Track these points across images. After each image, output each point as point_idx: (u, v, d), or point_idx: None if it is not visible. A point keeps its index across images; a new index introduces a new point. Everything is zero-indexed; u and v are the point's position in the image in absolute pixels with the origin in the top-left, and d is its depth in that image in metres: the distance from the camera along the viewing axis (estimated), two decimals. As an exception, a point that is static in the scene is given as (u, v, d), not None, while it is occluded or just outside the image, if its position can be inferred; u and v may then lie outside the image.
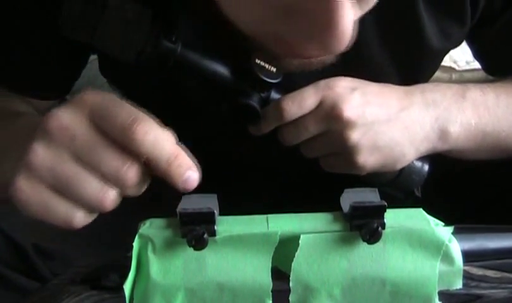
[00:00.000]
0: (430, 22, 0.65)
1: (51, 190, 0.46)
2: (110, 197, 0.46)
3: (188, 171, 0.46)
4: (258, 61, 0.56)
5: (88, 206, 0.47)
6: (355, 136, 0.58)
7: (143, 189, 0.48)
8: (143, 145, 0.45)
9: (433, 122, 0.61)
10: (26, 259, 0.68)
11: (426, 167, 0.64)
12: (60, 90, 0.71)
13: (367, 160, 0.59)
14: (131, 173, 0.46)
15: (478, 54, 0.74)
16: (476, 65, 0.77)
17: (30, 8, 0.63)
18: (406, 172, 0.63)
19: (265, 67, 0.56)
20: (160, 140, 0.46)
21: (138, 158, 0.46)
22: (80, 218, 0.47)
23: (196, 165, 0.47)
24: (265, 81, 0.57)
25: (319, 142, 0.60)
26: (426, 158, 0.64)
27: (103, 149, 0.46)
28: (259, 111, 0.58)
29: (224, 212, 0.45)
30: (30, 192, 0.46)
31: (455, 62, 1.36)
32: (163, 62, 0.54)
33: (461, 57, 1.34)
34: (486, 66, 0.75)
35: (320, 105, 0.58)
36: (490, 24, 0.67)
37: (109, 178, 0.46)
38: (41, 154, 0.46)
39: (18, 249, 0.68)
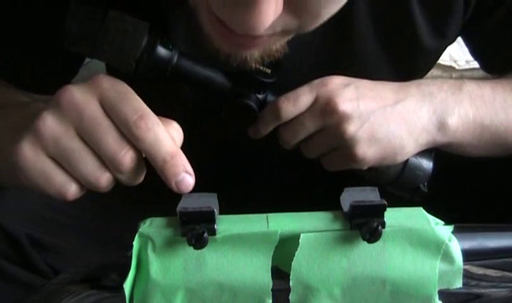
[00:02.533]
0: (424, 21, 0.65)
1: (51, 160, 0.48)
2: (105, 179, 0.48)
3: (182, 173, 0.48)
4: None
5: (84, 182, 0.49)
6: (351, 128, 0.58)
7: (138, 179, 0.50)
8: (143, 142, 0.47)
9: (430, 114, 0.61)
10: (20, 250, 0.69)
11: (431, 163, 0.64)
12: (59, 85, 0.71)
13: (366, 151, 0.59)
14: (126, 159, 0.48)
15: (474, 52, 0.74)
16: (476, 64, 0.77)
17: (31, 8, 0.64)
18: (410, 166, 0.63)
19: (260, 69, 0.59)
20: (160, 139, 0.48)
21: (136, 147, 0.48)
22: (74, 191, 0.49)
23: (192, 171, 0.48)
24: (261, 81, 0.59)
25: (318, 140, 0.60)
26: (431, 154, 0.64)
27: (106, 132, 0.47)
28: (256, 110, 0.60)
29: (224, 211, 0.46)
30: (32, 158, 0.48)
31: (455, 61, 1.36)
32: (161, 70, 0.56)
33: (461, 56, 1.34)
34: (483, 64, 0.75)
35: (315, 102, 0.59)
36: (483, 20, 0.68)
37: (106, 160, 0.48)
38: (49, 124, 0.48)
39: (12, 239, 0.68)
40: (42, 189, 0.49)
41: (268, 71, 0.59)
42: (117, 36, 0.55)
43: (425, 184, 0.64)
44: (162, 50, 0.57)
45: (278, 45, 0.54)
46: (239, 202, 0.56)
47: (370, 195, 0.44)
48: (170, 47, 0.57)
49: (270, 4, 0.45)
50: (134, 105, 0.48)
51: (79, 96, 0.48)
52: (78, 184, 0.49)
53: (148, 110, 0.48)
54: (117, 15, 0.55)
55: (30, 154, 0.48)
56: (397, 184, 0.64)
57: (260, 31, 0.46)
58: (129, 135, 0.47)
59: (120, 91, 0.49)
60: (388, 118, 0.60)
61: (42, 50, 0.66)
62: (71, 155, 0.48)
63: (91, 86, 0.49)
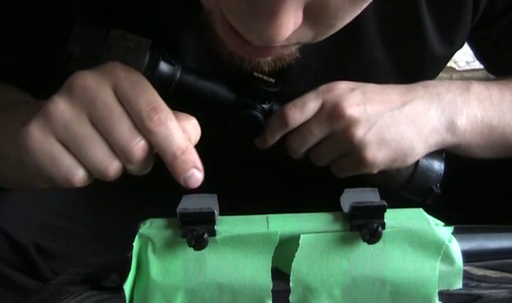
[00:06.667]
0: (434, 30, 0.65)
1: (60, 144, 0.48)
2: (114, 167, 0.48)
3: (192, 168, 0.47)
4: (256, 74, 0.59)
5: (92, 169, 0.48)
6: (360, 132, 0.58)
7: (146, 170, 0.49)
8: (155, 135, 0.47)
9: (439, 114, 0.61)
10: (26, 258, 0.68)
11: (442, 164, 0.63)
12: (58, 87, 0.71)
13: (376, 155, 0.59)
14: (137, 150, 0.47)
15: (479, 55, 0.74)
16: (477, 65, 0.77)
17: (35, 22, 0.63)
18: (421, 168, 0.63)
19: (263, 79, 0.59)
20: (171, 133, 0.47)
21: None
22: (81, 178, 0.48)
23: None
24: (266, 90, 0.59)
25: (326, 146, 0.60)
26: (441, 154, 0.64)
27: (119, 120, 0.47)
28: (262, 120, 0.60)
29: (224, 213, 0.46)
30: (41, 140, 0.47)
31: (455, 62, 1.36)
32: (165, 86, 0.57)
33: (461, 57, 1.34)
34: (488, 66, 0.75)
35: (321, 108, 0.59)
36: (491, 25, 0.67)
37: (117, 149, 0.47)
38: (61, 108, 0.47)
39: (18, 247, 0.68)
40: (48, 173, 0.48)
41: (272, 80, 0.59)
42: (119, 54, 0.55)
43: (438, 185, 0.64)
44: (164, 66, 0.57)
45: (290, 51, 0.54)
46: (239, 203, 0.56)
47: (370, 196, 0.45)
48: (173, 62, 0.57)
49: (290, 16, 0.44)
50: (148, 97, 0.48)
51: (93, 82, 0.48)
52: (85, 171, 0.48)
53: (162, 102, 0.48)
54: (118, 33, 0.56)
55: (39, 136, 0.47)
56: (409, 187, 0.64)
57: (278, 42, 0.45)
58: (141, 126, 0.47)
59: (135, 81, 0.48)
60: (396, 120, 0.59)
61: (45, 61, 0.65)
62: (82, 141, 0.47)
63: (105, 72, 0.48)
